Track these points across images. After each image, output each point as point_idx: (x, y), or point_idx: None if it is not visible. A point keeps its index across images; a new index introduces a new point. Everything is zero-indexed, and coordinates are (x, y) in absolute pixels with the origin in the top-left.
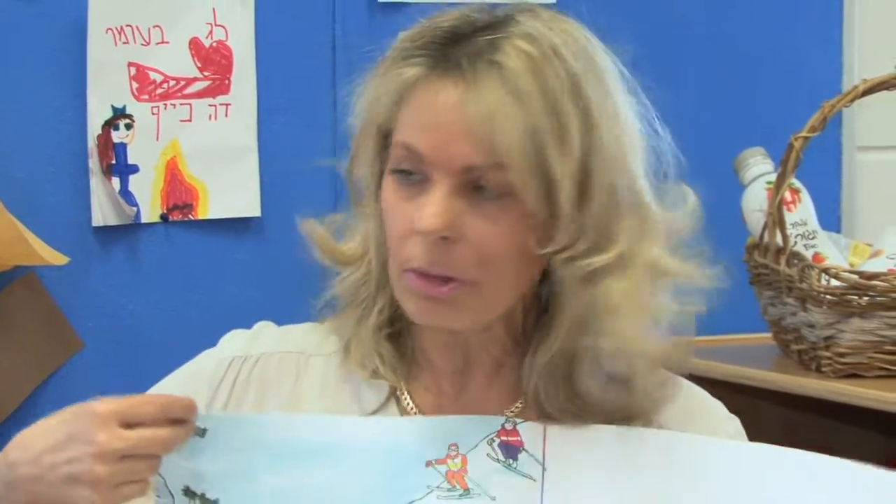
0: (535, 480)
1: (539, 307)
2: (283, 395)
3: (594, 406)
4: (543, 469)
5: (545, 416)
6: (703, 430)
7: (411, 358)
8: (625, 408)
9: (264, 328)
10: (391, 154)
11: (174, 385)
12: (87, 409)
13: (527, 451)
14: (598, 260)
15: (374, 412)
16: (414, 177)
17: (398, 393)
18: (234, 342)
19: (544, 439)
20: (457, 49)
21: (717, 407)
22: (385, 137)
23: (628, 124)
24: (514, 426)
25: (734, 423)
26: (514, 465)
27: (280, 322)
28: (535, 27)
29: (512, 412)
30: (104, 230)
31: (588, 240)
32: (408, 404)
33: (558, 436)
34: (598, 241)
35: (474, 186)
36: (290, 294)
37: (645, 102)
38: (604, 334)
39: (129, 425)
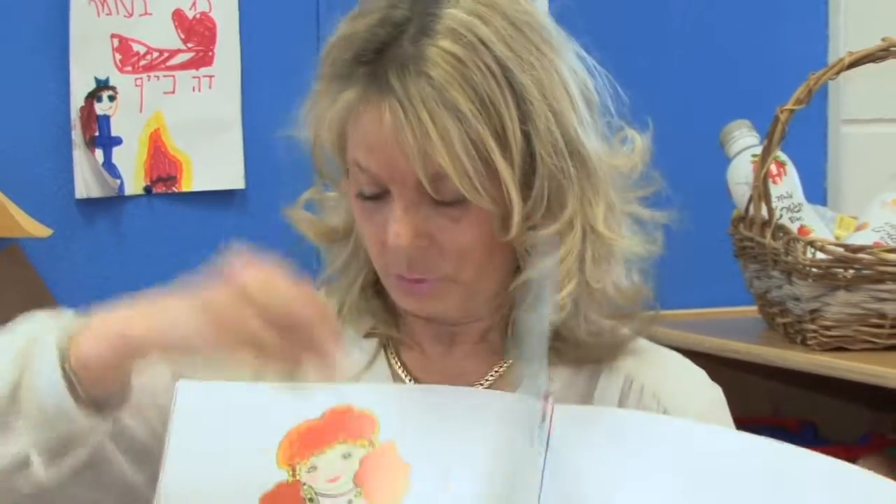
0: (539, 456)
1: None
2: None
3: (569, 347)
4: (547, 449)
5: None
6: (682, 393)
7: (397, 313)
8: (594, 348)
9: None
10: (350, 170)
11: None
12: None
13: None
14: (553, 228)
15: (364, 371)
16: (374, 191)
17: (387, 352)
18: None
19: (550, 420)
20: (385, 62)
21: (699, 373)
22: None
23: (562, 82)
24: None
25: (716, 390)
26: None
27: None
28: (456, 16)
29: (496, 372)
30: (87, 202)
31: (540, 212)
32: (396, 363)
33: (564, 417)
34: (550, 209)
35: (429, 195)
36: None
37: (576, 45)
38: (569, 291)
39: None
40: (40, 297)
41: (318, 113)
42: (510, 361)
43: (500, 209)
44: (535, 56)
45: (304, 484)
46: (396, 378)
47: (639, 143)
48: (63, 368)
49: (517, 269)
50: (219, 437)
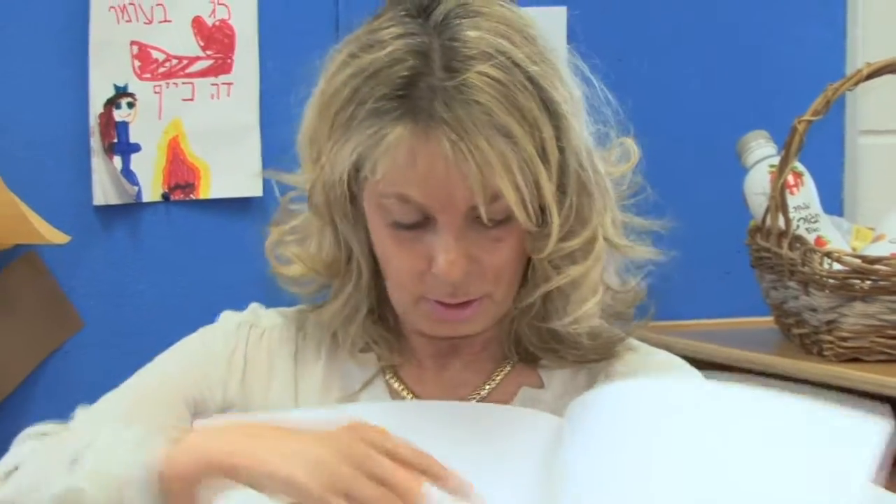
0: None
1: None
2: (288, 367)
3: (567, 349)
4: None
5: (531, 361)
6: None
7: (398, 333)
8: (592, 349)
9: (259, 308)
10: (383, 201)
11: (186, 362)
12: (358, 430)
13: None
14: (571, 244)
15: (362, 389)
16: (414, 220)
17: (385, 370)
18: (233, 316)
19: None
20: (424, 93)
21: (694, 373)
22: (357, 172)
23: (573, 94)
24: None
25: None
26: None
27: (275, 300)
28: (485, 39)
29: (494, 380)
30: (105, 209)
31: (569, 225)
32: (393, 380)
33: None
34: (573, 227)
35: (476, 217)
36: None
37: (574, 56)
38: (573, 302)
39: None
40: (58, 304)
41: (343, 148)
42: (508, 369)
43: (537, 226)
44: (552, 70)
45: None
46: (395, 395)
47: (633, 151)
48: (153, 495)
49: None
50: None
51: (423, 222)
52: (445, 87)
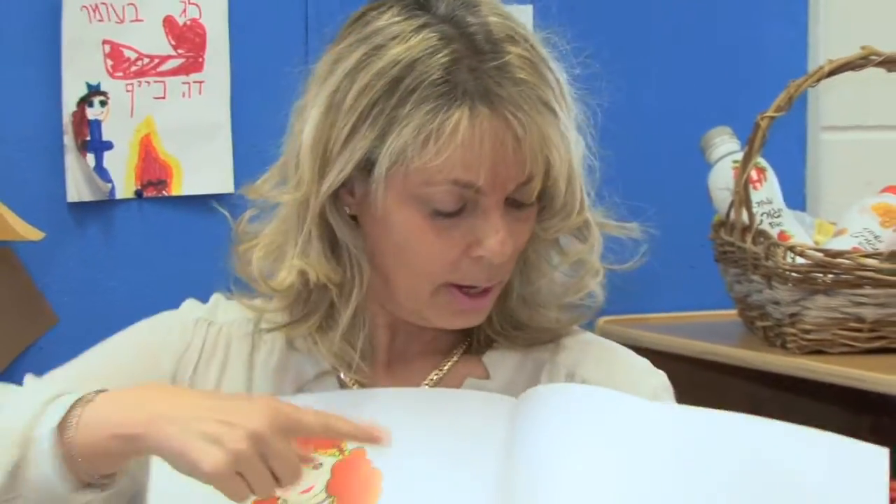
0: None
1: None
2: (242, 363)
3: (522, 333)
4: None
5: (486, 344)
6: (627, 382)
7: (369, 337)
8: (544, 332)
9: (221, 299)
10: (426, 191)
11: (140, 347)
12: (271, 402)
13: None
14: (575, 222)
15: (315, 379)
16: (455, 208)
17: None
18: (195, 308)
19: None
20: (469, 77)
21: (642, 362)
22: (369, 164)
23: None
24: None
25: (659, 377)
26: None
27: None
28: (500, 25)
29: (441, 370)
30: (79, 206)
31: (565, 210)
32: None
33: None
34: (568, 205)
35: (509, 201)
36: None
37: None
38: (534, 282)
39: (288, 435)
40: (32, 299)
41: (380, 142)
42: (454, 359)
43: (558, 206)
44: (550, 54)
45: (279, 498)
46: (343, 386)
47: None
48: (58, 458)
49: None
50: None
51: (462, 210)
52: (489, 67)
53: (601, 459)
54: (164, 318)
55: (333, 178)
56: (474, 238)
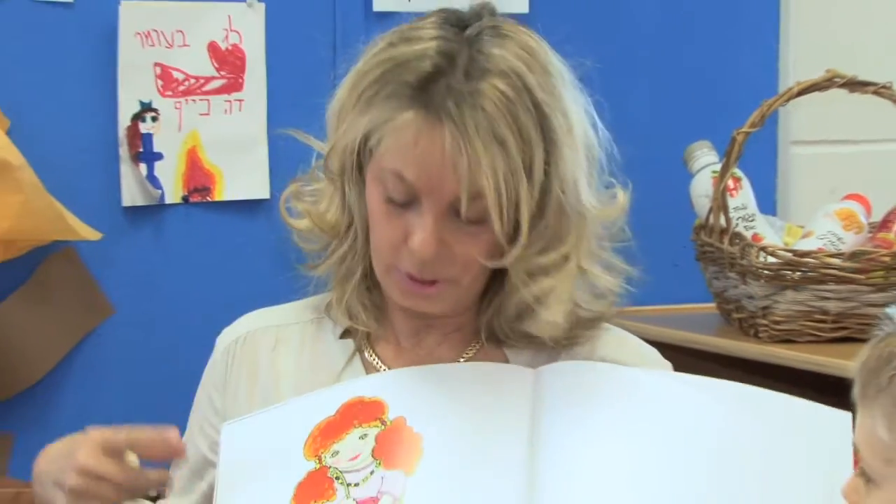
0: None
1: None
2: (266, 364)
3: (538, 338)
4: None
5: (498, 343)
6: (638, 364)
7: (383, 306)
8: (557, 340)
9: (244, 317)
10: (378, 172)
11: (198, 417)
12: (85, 435)
13: None
14: (544, 259)
15: (345, 366)
16: (403, 199)
17: (363, 349)
18: (223, 338)
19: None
20: (440, 89)
21: (652, 350)
22: (364, 144)
23: (579, 134)
24: None
25: (666, 365)
26: None
27: (282, 289)
28: (506, 60)
29: (467, 354)
30: (133, 210)
31: (543, 241)
32: (371, 357)
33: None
34: (547, 244)
35: (455, 210)
36: (292, 268)
37: (588, 100)
38: (539, 314)
39: (112, 453)
40: (91, 292)
41: (360, 119)
42: (477, 347)
43: (510, 230)
44: (558, 102)
45: (330, 467)
46: (371, 370)
47: (621, 198)
48: None
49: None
50: (256, 458)
51: (411, 203)
52: (460, 89)
53: (618, 427)
54: (206, 372)
55: (341, 141)
56: (409, 231)
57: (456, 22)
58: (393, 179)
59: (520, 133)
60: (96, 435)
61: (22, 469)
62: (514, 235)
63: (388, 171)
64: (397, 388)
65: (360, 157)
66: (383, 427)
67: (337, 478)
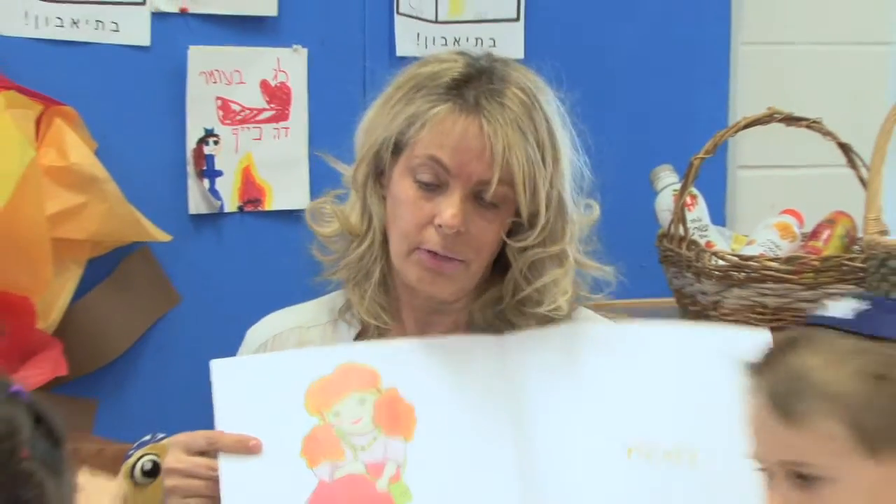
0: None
1: (486, 273)
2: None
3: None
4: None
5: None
6: None
7: (398, 307)
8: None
9: (264, 318)
10: (411, 162)
11: None
12: (178, 438)
13: None
14: (545, 252)
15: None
16: (432, 184)
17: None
18: (253, 336)
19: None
20: (471, 90)
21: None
22: (396, 145)
23: (568, 153)
24: None
25: None
26: None
27: (314, 286)
28: (519, 79)
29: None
30: (197, 217)
31: (543, 235)
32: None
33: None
34: (547, 238)
35: (476, 195)
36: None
37: (571, 131)
38: (542, 304)
39: (195, 452)
40: (163, 285)
41: (393, 114)
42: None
43: (522, 217)
44: (560, 122)
45: (334, 426)
46: None
47: (595, 211)
48: None
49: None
50: (253, 401)
51: (438, 187)
52: (488, 90)
53: (584, 375)
54: (239, 354)
55: (367, 150)
56: (437, 210)
57: (473, 58)
58: (427, 164)
59: (536, 132)
60: (180, 438)
61: (104, 429)
62: (518, 228)
63: (423, 157)
64: (388, 359)
65: (386, 160)
66: (379, 395)
67: (343, 438)
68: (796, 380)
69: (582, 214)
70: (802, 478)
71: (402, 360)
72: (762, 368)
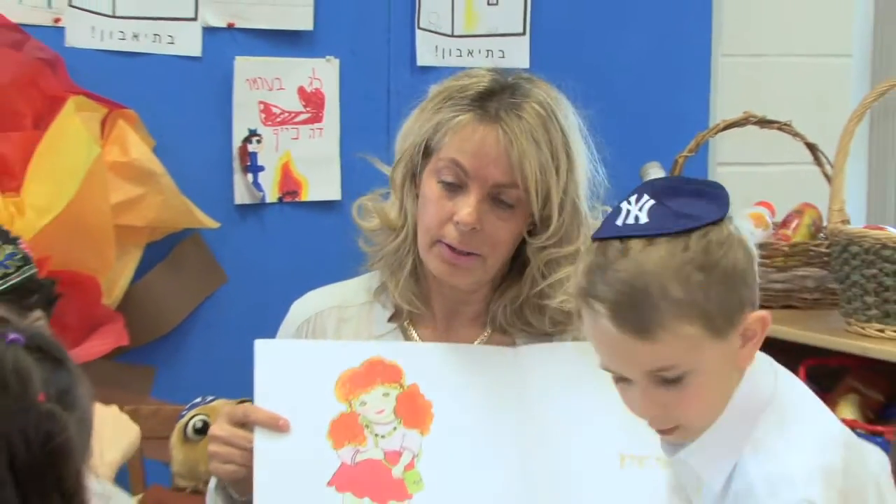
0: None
1: (505, 269)
2: (331, 338)
3: (537, 328)
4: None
5: (507, 336)
6: None
7: (428, 294)
8: (556, 326)
9: (308, 295)
10: (437, 164)
11: None
12: (225, 408)
13: None
14: (560, 252)
15: (386, 333)
16: (454, 186)
17: (407, 329)
18: (298, 311)
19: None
20: (493, 103)
21: None
22: (426, 149)
23: (584, 164)
24: None
25: None
26: None
27: (346, 266)
28: (539, 95)
29: (483, 338)
30: (242, 207)
31: (558, 236)
32: (412, 334)
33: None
34: (562, 238)
35: (493, 197)
36: (357, 252)
37: (590, 145)
38: (553, 297)
39: (235, 423)
40: (211, 266)
41: (426, 121)
42: (489, 332)
43: (536, 218)
44: (574, 135)
45: (360, 414)
46: (408, 338)
47: None
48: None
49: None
50: (289, 382)
51: (458, 188)
52: (507, 103)
53: (580, 387)
54: (283, 328)
55: (403, 153)
56: (456, 209)
57: (500, 73)
58: (450, 166)
59: (550, 142)
60: (225, 409)
61: (160, 392)
62: (536, 228)
63: (446, 160)
64: (412, 358)
65: (418, 163)
66: (402, 390)
67: (367, 426)
68: (637, 296)
69: (598, 219)
70: (667, 379)
71: (424, 360)
72: (598, 289)
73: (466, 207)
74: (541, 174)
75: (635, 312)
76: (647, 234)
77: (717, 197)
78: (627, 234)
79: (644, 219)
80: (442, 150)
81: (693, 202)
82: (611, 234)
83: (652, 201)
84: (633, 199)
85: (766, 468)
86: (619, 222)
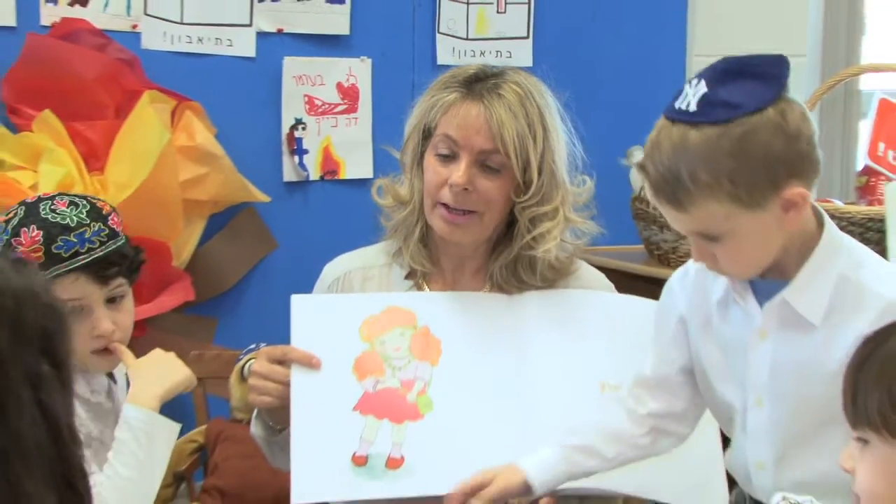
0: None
1: (502, 231)
2: (360, 287)
3: (529, 284)
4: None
5: (504, 293)
6: (603, 287)
7: (436, 255)
8: (546, 282)
9: (338, 258)
10: (434, 141)
11: None
12: (264, 350)
13: None
14: (542, 209)
15: (406, 290)
16: (448, 156)
17: (421, 285)
18: (329, 271)
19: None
20: (478, 85)
21: (603, 278)
22: (427, 131)
23: (562, 137)
24: None
25: (611, 287)
26: None
27: (374, 235)
28: (518, 78)
29: (484, 290)
30: (290, 184)
31: (538, 196)
32: (424, 289)
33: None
34: (543, 198)
35: (481, 162)
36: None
37: (569, 125)
38: (536, 249)
39: (274, 360)
40: (264, 234)
41: (425, 107)
42: (488, 288)
43: (519, 180)
44: (550, 112)
45: (379, 352)
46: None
47: (589, 184)
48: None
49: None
50: (320, 328)
51: (451, 158)
52: (489, 84)
53: (570, 329)
54: (318, 285)
55: (409, 137)
56: (450, 175)
57: (488, 65)
58: (444, 140)
59: (526, 115)
60: (266, 349)
61: (221, 339)
62: (520, 190)
63: (441, 136)
64: (423, 305)
65: (420, 143)
66: (415, 331)
67: (385, 360)
68: (671, 177)
69: (578, 187)
70: (709, 236)
71: (434, 306)
72: (646, 164)
73: (458, 171)
74: (519, 140)
75: (670, 190)
76: (692, 120)
77: (773, 78)
78: (677, 119)
79: (693, 106)
80: (437, 129)
81: (745, 86)
82: (669, 116)
83: (705, 88)
84: (693, 81)
85: (879, 271)
86: (677, 105)
